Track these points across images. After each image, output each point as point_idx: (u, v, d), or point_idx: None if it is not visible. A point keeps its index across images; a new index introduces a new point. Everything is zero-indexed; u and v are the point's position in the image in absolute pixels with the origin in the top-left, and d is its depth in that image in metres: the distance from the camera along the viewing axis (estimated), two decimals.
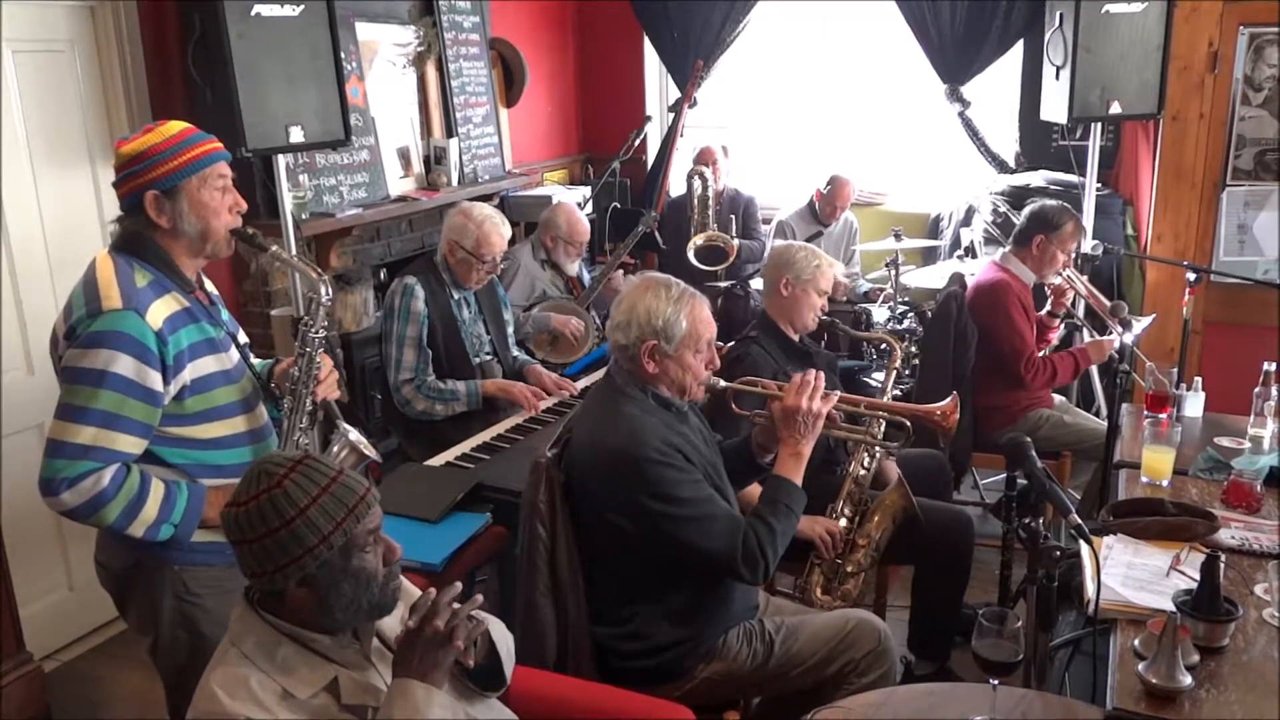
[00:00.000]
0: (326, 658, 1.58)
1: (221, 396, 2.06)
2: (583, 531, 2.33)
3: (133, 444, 1.93)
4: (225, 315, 2.20)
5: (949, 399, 2.60)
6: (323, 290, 2.15)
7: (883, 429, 2.73)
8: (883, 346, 4.48)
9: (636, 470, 2.18)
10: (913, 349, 4.23)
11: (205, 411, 2.03)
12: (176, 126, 2.01)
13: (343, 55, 3.57)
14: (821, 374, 2.38)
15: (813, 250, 3.15)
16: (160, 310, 1.95)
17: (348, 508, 1.52)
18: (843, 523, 2.81)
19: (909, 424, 2.49)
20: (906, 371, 4.51)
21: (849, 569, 2.73)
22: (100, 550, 2.10)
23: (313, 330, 2.14)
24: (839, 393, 2.43)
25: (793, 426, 2.32)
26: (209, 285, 2.20)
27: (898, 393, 4.31)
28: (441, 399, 3.44)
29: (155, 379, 1.92)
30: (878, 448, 2.81)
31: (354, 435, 2.24)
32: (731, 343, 3.16)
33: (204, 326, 2.04)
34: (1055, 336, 3.91)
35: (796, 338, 3.16)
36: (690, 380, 2.32)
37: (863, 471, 2.86)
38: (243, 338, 2.23)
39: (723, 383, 2.42)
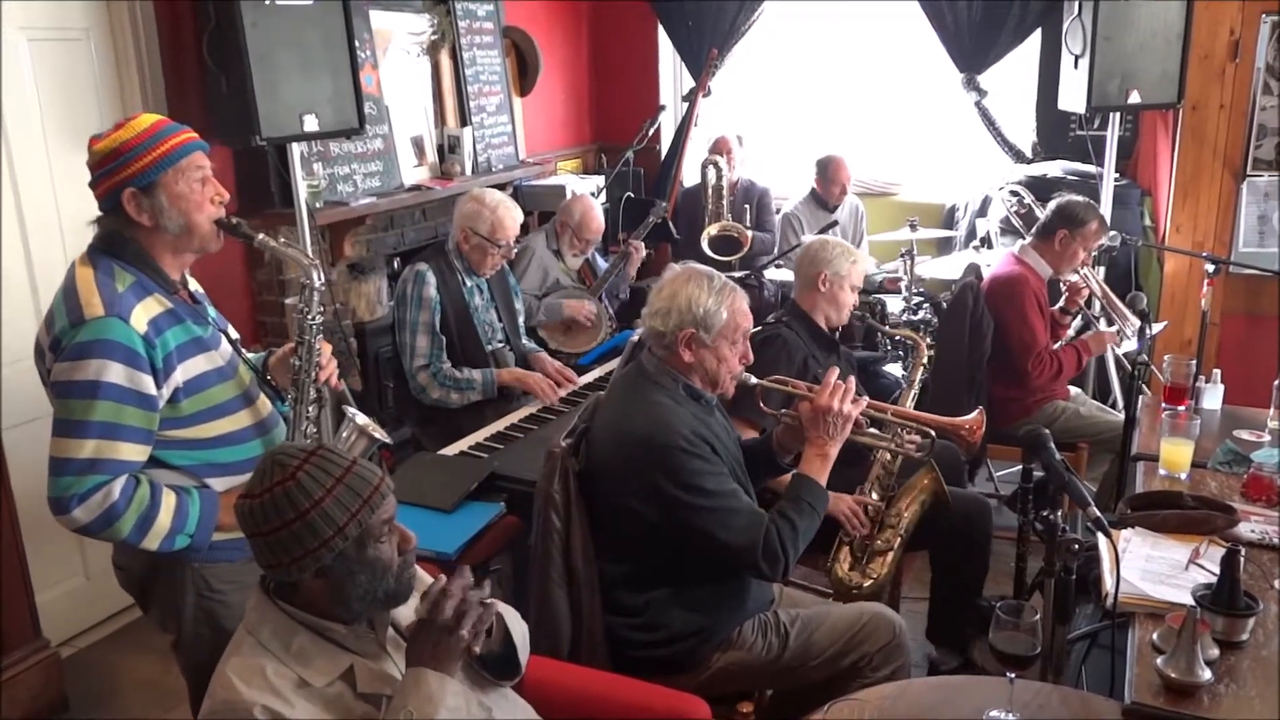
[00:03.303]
0: (342, 646, 1.58)
1: (219, 394, 2.01)
2: (599, 520, 2.32)
3: (136, 451, 1.89)
4: (213, 313, 2.15)
5: (975, 413, 2.56)
6: (315, 275, 2.10)
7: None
8: (906, 342, 4.45)
9: (664, 457, 2.18)
10: (928, 340, 4.20)
11: (203, 411, 1.99)
12: (148, 120, 1.94)
13: (357, 44, 3.57)
14: (853, 377, 2.38)
15: (845, 249, 3.17)
16: (143, 313, 1.90)
17: (362, 498, 1.52)
18: (874, 496, 2.81)
19: (934, 433, 2.47)
20: (922, 362, 4.49)
21: (878, 544, 2.70)
22: (118, 553, 2.07)
23: (309, 317, 2.09)
24: (867, 399, 2.42)
25: (821, 427, 2.31)
26: (194, 284, 2.14)
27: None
28: (457, 387, 3.44)
29: (148, 383, 1.87)
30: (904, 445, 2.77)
31: (361, 419, 2.23)
32: (759, 326, 3.14)
33: (189, 327, 1.99)
34: (1068, 333, 3.89)
35: (825, 327, 3.18)
36: (724, 372, 2.32)
37: (889, 457, 2.84)
38: (232, 333, 2.18)
39: (754, 379, 2.41)
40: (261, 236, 2.08)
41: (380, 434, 2.22)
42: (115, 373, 1.84)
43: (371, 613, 1.62)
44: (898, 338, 4.46)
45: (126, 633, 3.51)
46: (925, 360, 3.21)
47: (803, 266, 3.19)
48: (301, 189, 3.56)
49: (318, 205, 3.87)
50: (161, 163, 1.91)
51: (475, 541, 2.70)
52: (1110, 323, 3.87)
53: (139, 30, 3.46)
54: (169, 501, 1.92)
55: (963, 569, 3.00)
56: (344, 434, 2.22)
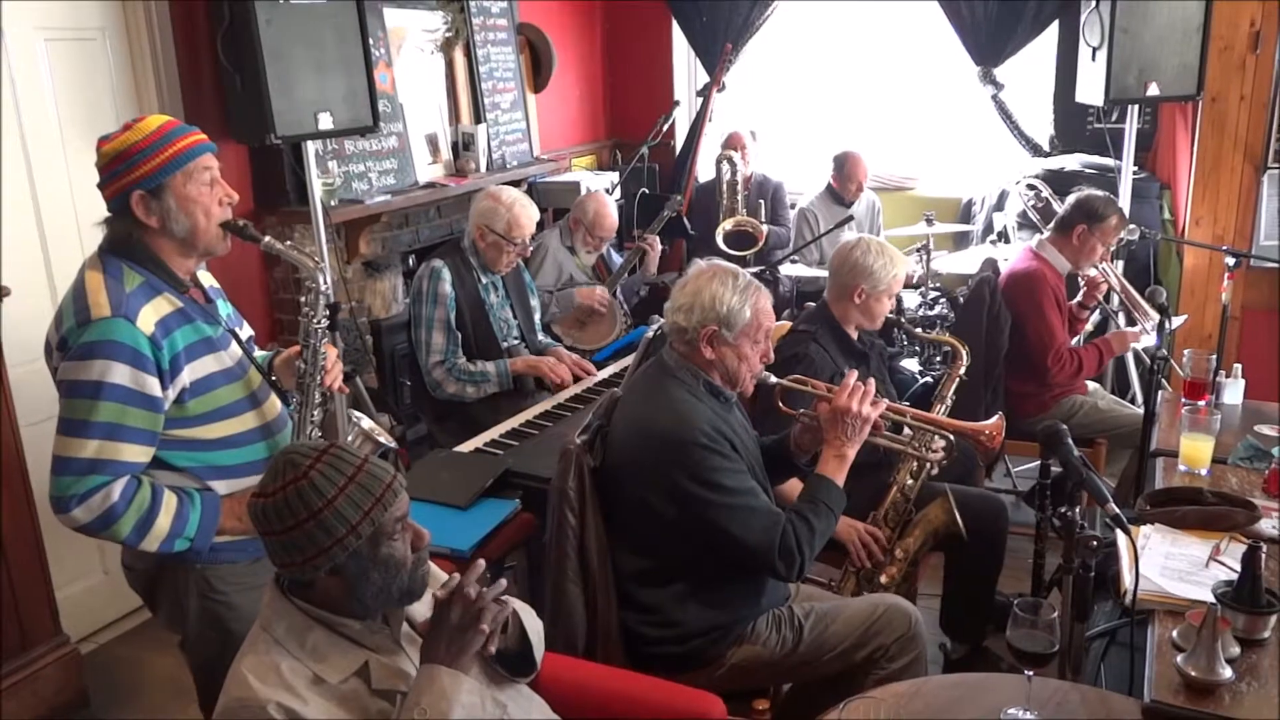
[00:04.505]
0: (357, 643, 1.59)
1: (225, 395, 2.01)
2: (615, 516, 2.32)
3: (139, 453, 1.89)
4: (227, 311, 2.15)
5: (995, 418, 2.53)
6: (320, 279, 2.10)
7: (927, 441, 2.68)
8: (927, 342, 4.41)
9: (683, 452, 2.18)
10: (967, 348, 4.17)
11: (210, 412, 1.98)
12: (156, 121, 1.94)
13: (371, 41, 3.57)
14: (873, 380, 2.36)
15: (890, 255, 2.98)
16: (151, 314, 1.90)
17: (375, 496, 1.52)
18: (887, 528, 2.78)
19: (952, 438, 2.45)
20: (939, 359, 4.47)
21: (883, 580, 2.69)
22: (127, 552, 2.07)
23: (314, 321, 2.09)
24: (886, 401, 2.41)
25: (839, 428, 2.31)
26: (208, 280, 2.14)
27: (928, 379, 4.31)
28: (472, 381, 3.45)
29: (153, 385, 1.87)
30: (927, 462, 2.72)
31: (366, 423, 2.23)
32: (787, 332, 3.09)
33: (200, 326, 1.98)
34: (1086, 328, 3.86)
35: (855, 335, 3.06)
36: (744, 371, 2.32)
37: (910, 481, 2.79)
38: (246, 331, 2.18)
39: (773, 378, 2.40)
40: (268, 239, 2.07)
41: (385, 439, 2.22)
42: (120, 374, 1.84)
43: (386, 609, 1.63)
44: (930, 342, 4.33)
45: (146, 629, 3.52)
46: (963, 372, 3.00)
47: (838, 272, 3.02)
48: (316, 187, 3.56)
49: (333, 203, 3.88)
50: (170, 165, 1.91)
51: (490, 538, 2.70)
52: (1130, 318, 3.84)
53: (154, 29, 3.47)
54: (169, 504, 1.92)
55: (978, 566, 2.98)
56: (349, 438, 2.22)
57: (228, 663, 1.58)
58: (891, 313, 3.12)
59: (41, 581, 3.04)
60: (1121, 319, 4.11)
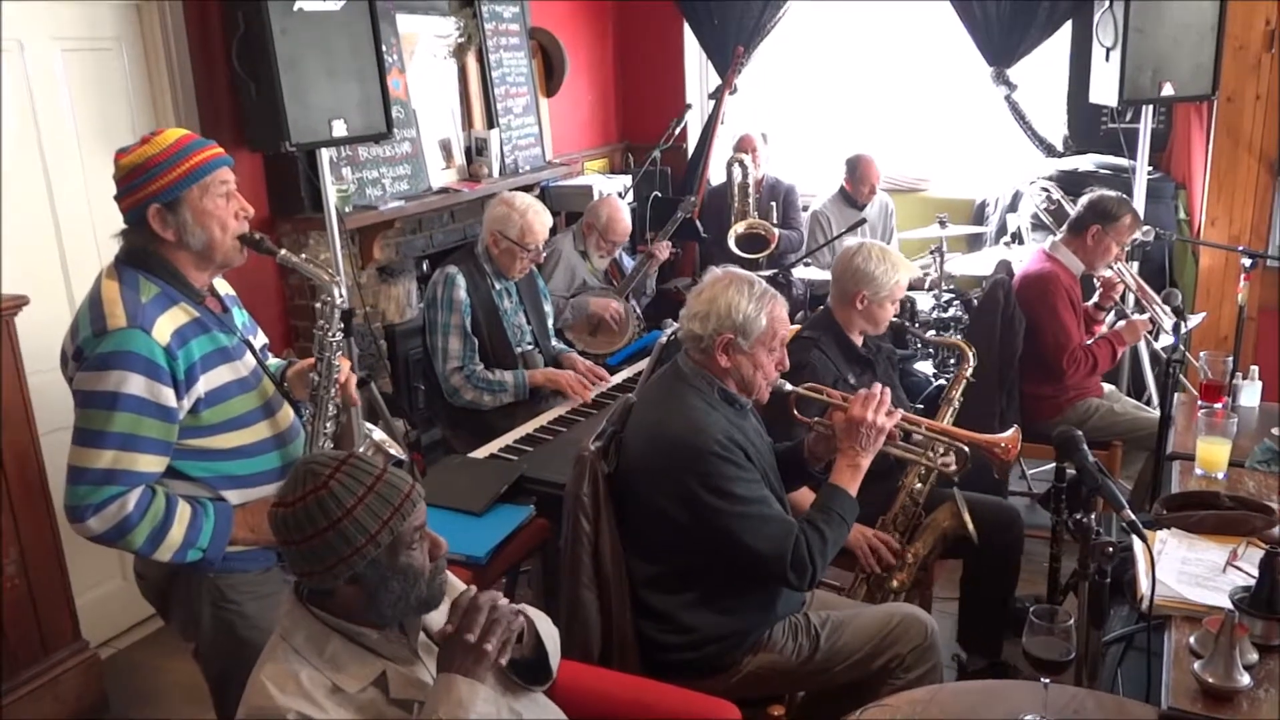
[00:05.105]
0: (375, 652, 1.60)
1: (239, 405, 2.02)
2: (630, 522, 2.33)
3: (153, 463, 1.90)
4: (242, 319, 2.16)
5: (1011, 431, 2.51)
6: (336, 293, 2.12)
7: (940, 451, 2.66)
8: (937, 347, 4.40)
9: (697, 460, 2.18)
10: (959, 338, 4.17)
11: (224, 422, 1.99)
12: (174, 135, 1.95)
13: (384, 48, 3.59)
14: (888, 390, 2.35)
15: (892, 261, 2.94)
16: (167, 324, 1.91)
17: (393, 506, 1.53)
18: (895, 534, 2.77)
19: (966, 449, 2.45)
20: (952, 360, 4.46)
21: (893, 584, 2.68)
22: (138, 561, 2.09)
23: (329, 334, 2.10)
24: (902, 411, 2.40)
25: (854, 437, 2.31)
26: (224, 288, 2.16)
27: (942, 381, 4.29)
28: (490, 389, 3.46)
29: (168, 395, 1.89)
30: (938, 471, 2.71)
31: (378, 435, 2.25)
32: (791, 337, 3.08)
33: (216, 336, 2.00)
34: (1102, 329, 3.84)
35: (859, 341, 3.04)
36: (760, 379, 2.32)
37: (918, 486, 2.79)
38: (260, 339, 2.19)
39: (789, 386, 2.41)
40: (284, 253, 2.09)
41: (396, 450, 2.23)
42: (135, 384, 1.85)
43: (404, 618, 1.63)
44: (939, 344, 4.33)
45: (164, 634, 3.54)
46: (969, 374, 2.98)
47: (840, 279, 2.99)
48: (331, 194, 3.58)
49: (347, 209, 3.90)
50: (187, 179, 1.92)
51: (506, 544, 2.71)
52: (1144, 312, 3.82)
53: (169, 38, 3.50)
54: (183, 515, 1.94)
55: (993, 577, 2.97)
56: (360, 449, 2.23)
57: (241, 670, 1.59)
58: (901, 316, 3.10)
59: (61, 588, 3.06)
60: (1135, 315, 4.09)
